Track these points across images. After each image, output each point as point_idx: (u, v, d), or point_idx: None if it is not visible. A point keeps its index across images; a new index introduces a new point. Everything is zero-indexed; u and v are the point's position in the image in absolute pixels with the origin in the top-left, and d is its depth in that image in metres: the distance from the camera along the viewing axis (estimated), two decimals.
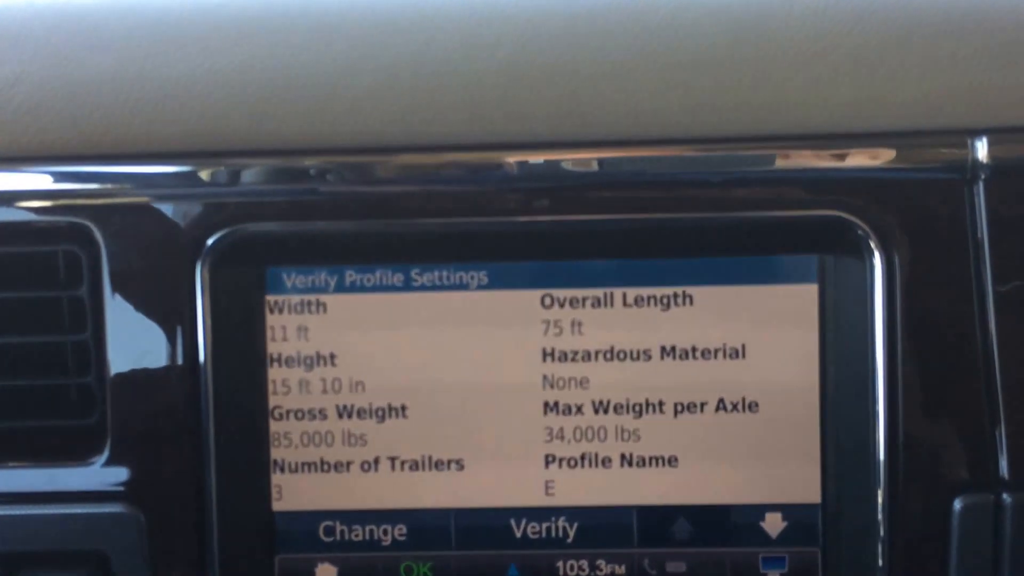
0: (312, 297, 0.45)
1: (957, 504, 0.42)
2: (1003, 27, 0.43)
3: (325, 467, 0.46)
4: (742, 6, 0.44)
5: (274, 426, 0.46)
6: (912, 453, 0.42)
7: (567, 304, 0.45)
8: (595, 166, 0.42)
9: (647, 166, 0.42)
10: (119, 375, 0.43)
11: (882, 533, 0.42)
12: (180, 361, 0.43)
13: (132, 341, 0.43)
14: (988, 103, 0.42)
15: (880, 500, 0.42)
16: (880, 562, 0.43)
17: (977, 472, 0.42)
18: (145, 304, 0.43)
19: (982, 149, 0.42)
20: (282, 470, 0.46)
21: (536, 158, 0.42)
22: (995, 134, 0.42)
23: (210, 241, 0.43)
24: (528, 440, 0.46)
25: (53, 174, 0.43)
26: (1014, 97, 0.42)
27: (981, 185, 0.42)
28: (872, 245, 0.42)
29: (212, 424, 0.43)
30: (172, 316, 0.43)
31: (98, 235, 0.43)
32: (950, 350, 0.42)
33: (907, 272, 0.42)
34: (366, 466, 0.46)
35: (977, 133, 0.42)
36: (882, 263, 0.42)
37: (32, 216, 0.43)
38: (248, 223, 0.43)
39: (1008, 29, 0.43)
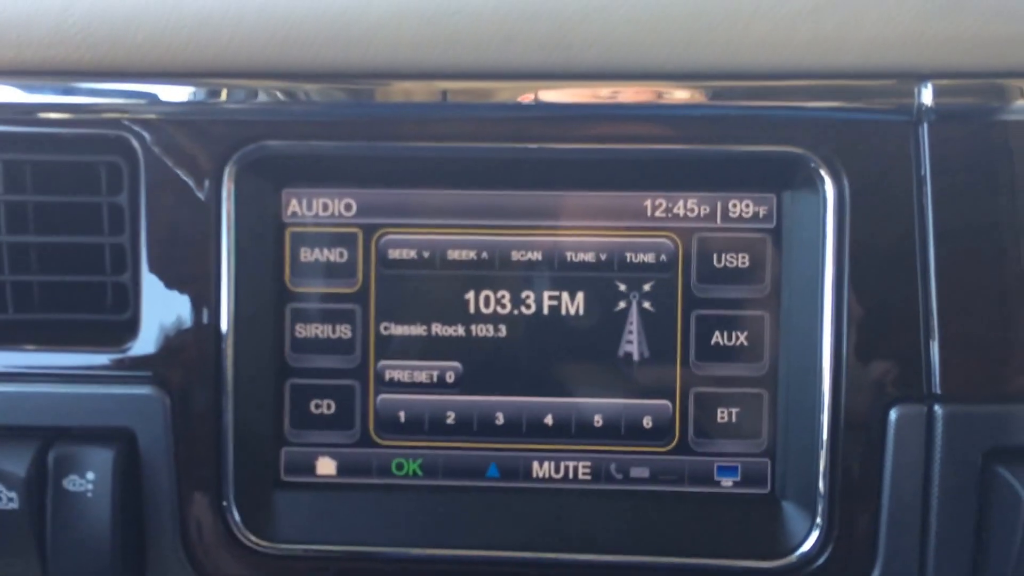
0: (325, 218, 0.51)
1: (893, 414, 0.46)
2: None
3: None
4: None
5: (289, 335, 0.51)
6: (853, 368, 0.46)
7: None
8: (564, 98, 0.47)
9: (614, 99, 0.47)
10: (152, 274, 0.49)
11: (824, 441, 0.47)
12: (207, 264, 0.49)
13: (164, 244, 0.49)
14: (934, 50, 0.46)
15: (823, 413, 0.47)
16: (821, 466, 0.47)
17: (911, 386, 0.46)
18: (177, 211, 0.49)
19: (927, 94, 0.46)
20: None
21: (521, 89, 0.47)
22: (940, 80, 0.46)
23: (235, 156, 0.48)
24: None
25: (100, 91, 0.48)
26: (958, 45, 0.46)
27: (926, 127, 0.46)
28: (824, 178, 0.47)
29: (231, 322, 0.49)
30: (200, 223, 0.49)
31: (138, 147, 0.48)
32: (892, 274, 0.46)
33: (856, 203, 0.46)
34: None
35: (924, 78, 0.46)
36: (834, 194, 0.46)
37: (80, 129, 0.49)
38: (268, 140, 0.48)
39: None
